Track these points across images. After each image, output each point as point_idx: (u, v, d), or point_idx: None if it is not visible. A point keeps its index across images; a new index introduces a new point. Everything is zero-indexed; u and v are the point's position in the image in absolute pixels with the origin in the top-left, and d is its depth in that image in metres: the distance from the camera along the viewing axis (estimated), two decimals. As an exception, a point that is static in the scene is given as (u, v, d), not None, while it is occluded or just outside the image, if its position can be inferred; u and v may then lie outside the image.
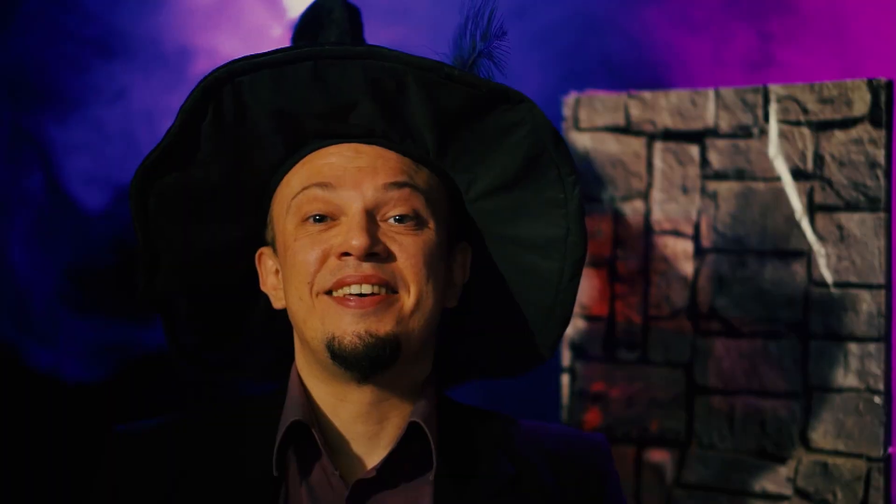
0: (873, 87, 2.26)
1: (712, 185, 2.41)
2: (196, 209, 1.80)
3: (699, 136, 2.43)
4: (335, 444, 1.77)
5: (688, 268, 2.43)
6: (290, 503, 1.72)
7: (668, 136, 2.46)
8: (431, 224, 1.76)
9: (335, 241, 1.72)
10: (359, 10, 1.96)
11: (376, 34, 1.99)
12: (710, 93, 2.42)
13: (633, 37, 2.87)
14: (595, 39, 2.86)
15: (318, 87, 1.71)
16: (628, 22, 2.88)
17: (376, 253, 1.71)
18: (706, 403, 2.41)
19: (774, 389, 2.34)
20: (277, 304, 1.83)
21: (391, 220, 1.74)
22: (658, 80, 2.74)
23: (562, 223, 1.79)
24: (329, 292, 1.72)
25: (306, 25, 1.95)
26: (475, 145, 1.77)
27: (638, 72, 2.82)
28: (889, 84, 2.25)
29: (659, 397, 2.45)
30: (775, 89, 2.36)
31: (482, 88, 1.71)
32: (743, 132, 2.39)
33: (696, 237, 2.43)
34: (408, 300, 1.72)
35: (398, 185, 1.74)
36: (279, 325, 1.87)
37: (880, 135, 2.25)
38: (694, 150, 2.44)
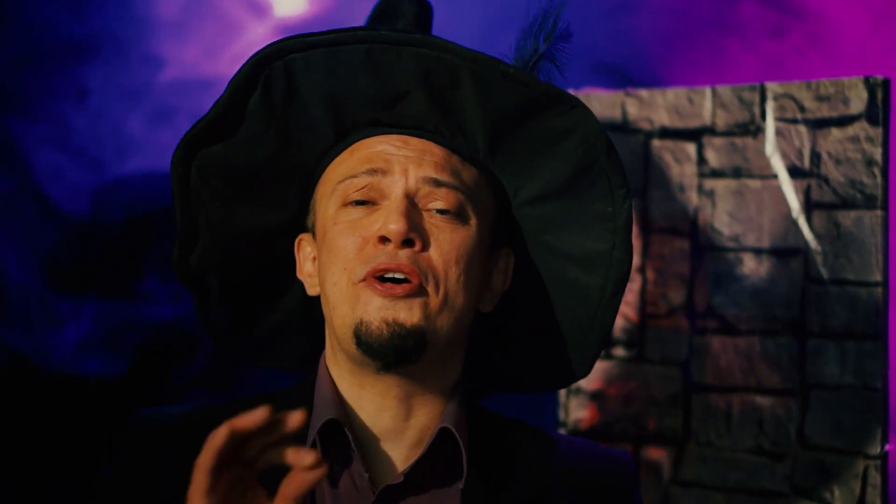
0: (870, 85, 2.26)
1: (709, 183, 2.42)
2: (238, 188, 1.78)
3: (696, 134, 2.43)
4: (361, 441, 1.73)
5: (685, 266, 2.43)
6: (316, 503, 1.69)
7: (666, 134, 2.46)
8: (473, 221, 1.73)
9: (374, 227, 1.69)
10: (430, 6, 1.93)
11: (435, 30, 1.97)
12: (707, 91, 2.42)
13: (621, 33, 2.87)
14: (580, 35, 2.86)
15: (371, 73, 1.69)
16: (617, 17, 2.88)
17: (412, 241, 1.68)
18: (703, 401, 2.41)
19: (771, 387, 2.34)
20: (311, 290, 1.80)
21: (433, 211, 1.71)
22: (650, 78, 2.74)
23: (608, 237, 1.75)
24: (363, 281, 1.69)
25: (374, 21, 1.92)
26: (526, 149, 1.74)
27: (627, 68, 2.82)
28: (886, 82, 2.26)
29: (656, 395, 2.45)
30: (772, 87, 2.36)
31: (537, 89, 1.68)
32: (740, 130, 2.39)
33: (693, 235, 2.43)
34: (435, 297, 1.68)
35: (441, 183, 1.71)
36: (313, 315, 1.84)
37: (877, 132, 2.25)
38: (691, 148, 2.44)
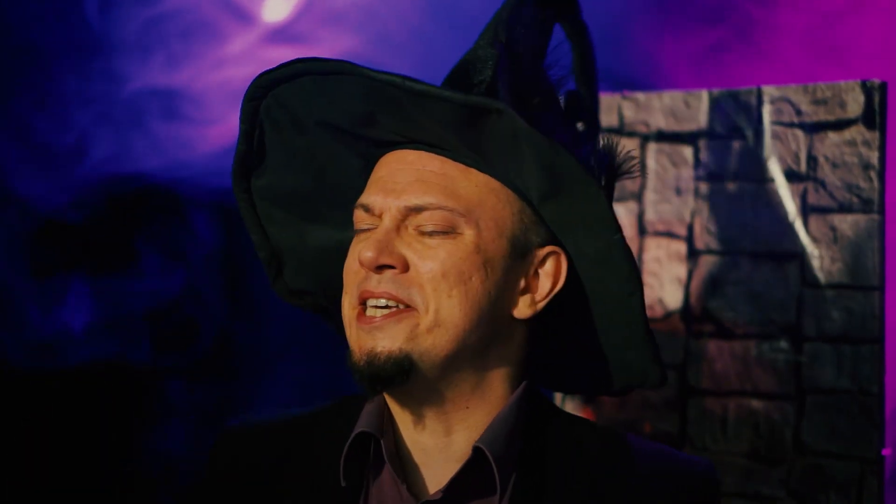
0: (867, 89, 2.26)
1: (705, 187, 2.41)
2: (301, 212, 1.81)
3: (693, 138, 2.43)
4: (406, 456, 1.74)
5: (681, 269, 2.43)
6: None
7: (662, 137, 2.46)
8: (470, 233, 1.69)
9: None
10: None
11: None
12: (704, 94, 2.42)
13: (616, 37, 2.87)
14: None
15: (329, 99, 1.71)
16: (612, 20, 2.88)
17: (390, 265, 1.67)
18: (699, 405, 2.40)
19: (767, 391, 2.34)
20: None
21: (420, 231, 1.69)
22: (647, 81, 2.74)
23: (603, 236, 1.70)
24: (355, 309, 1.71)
25: (456, 72, 1.92)
26: (501, 152, 1.70)
27: (624, 72, 2.82)
28: (883, 85, 2.26)
29: (652, 399, 2.45)
30: (769, 90, 2.36)
31: (456, 100, 1.64)
32: (736, 133, 2.38)
33: (689, 238, 2.43)
34: (425, 316, 1.67)
35: (423, 208, 1.68)
36: None
37: (874, 136, 2.25)
38: (687, 152, 2.43)
